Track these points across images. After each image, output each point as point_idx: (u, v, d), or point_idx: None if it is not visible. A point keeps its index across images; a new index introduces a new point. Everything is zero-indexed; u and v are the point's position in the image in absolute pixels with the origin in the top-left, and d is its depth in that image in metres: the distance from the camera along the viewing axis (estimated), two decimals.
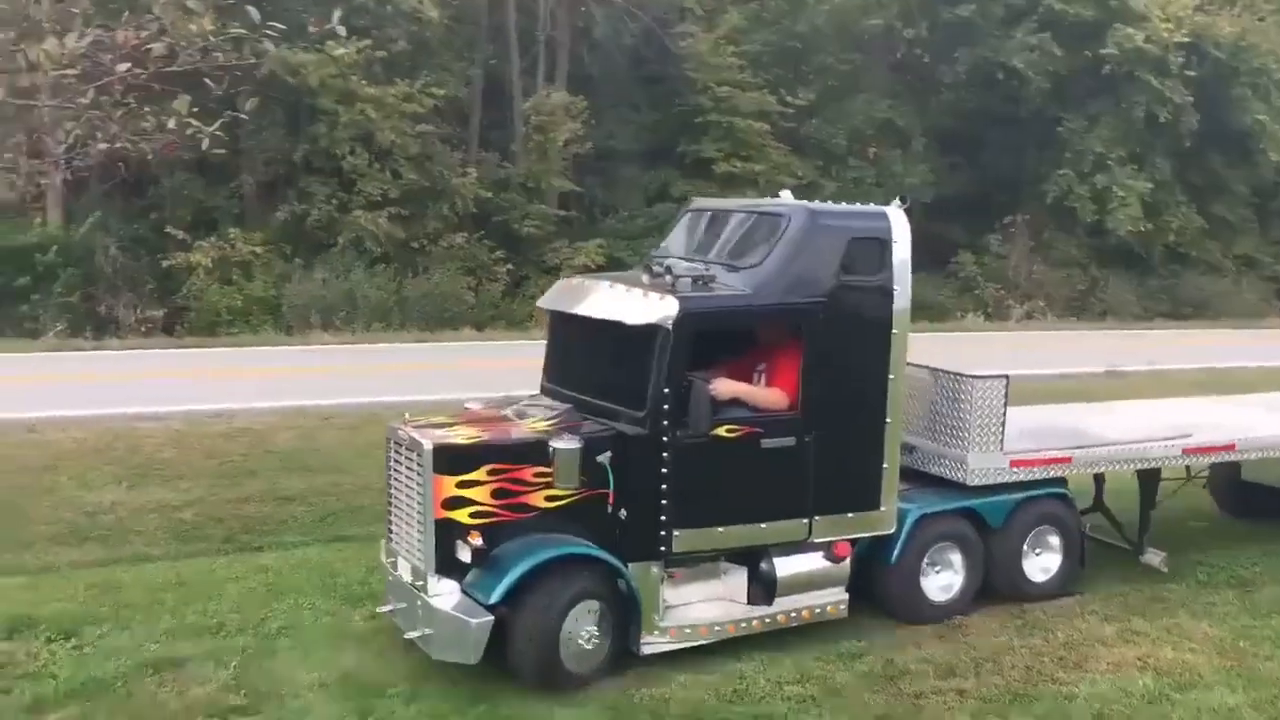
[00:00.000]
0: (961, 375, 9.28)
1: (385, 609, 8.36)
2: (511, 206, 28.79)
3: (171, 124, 9.02)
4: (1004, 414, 9.15)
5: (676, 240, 9.35)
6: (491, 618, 7.41)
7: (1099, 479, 10.43)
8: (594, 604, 7.69)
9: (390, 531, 8.30)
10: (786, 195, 9.76)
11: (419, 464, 7.68)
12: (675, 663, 8.05)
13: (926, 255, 34.23)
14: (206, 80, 9.41)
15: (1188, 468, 10.79)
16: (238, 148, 24.47)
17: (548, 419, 8.20)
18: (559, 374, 8.92)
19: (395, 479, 8.12)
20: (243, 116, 12.71)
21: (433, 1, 26.78)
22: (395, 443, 8.08)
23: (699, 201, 9.67)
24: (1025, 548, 9.56)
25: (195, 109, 9.09)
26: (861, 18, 33.50)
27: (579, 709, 7.53)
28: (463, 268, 27.50)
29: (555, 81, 30.47)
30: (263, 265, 26.19)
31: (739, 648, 8.31)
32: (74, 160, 9.84)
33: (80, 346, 21.89)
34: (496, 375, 12.60)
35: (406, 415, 8.19)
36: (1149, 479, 10.32)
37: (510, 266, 28.33)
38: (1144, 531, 10.43)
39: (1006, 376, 9.23)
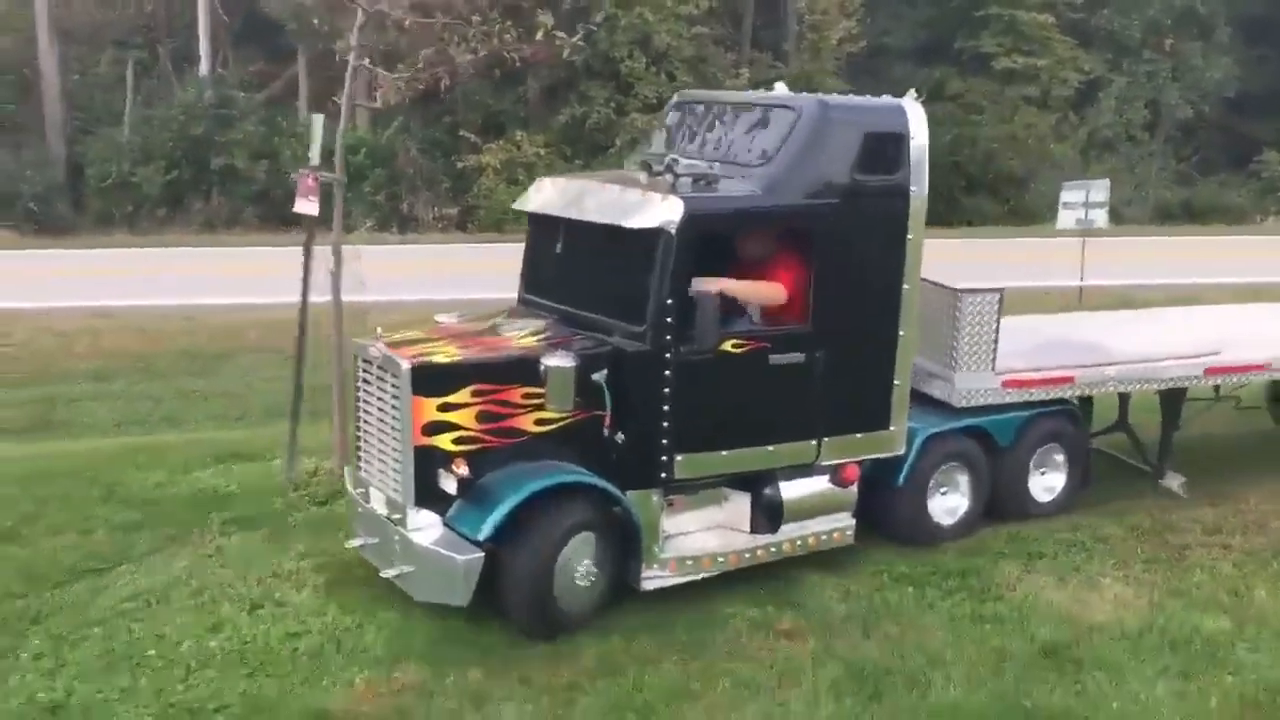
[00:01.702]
0: (950, 289, 8.68)
1: (355, 544, 7.57)
2: None
3: (539, 35, 11.11)
4: (995, 331, 8.57)
5: (663, 139, 8.51)
6: (481, 554, 6.68)
7: (1124, 397, 9.95)
8: (589, 536, 7.00)
9: (359, 458, 7.49)
10: (781, 87, 8.94)
11: (395, 385, 6.86)
12: None
13: (1225, 154, 33.37)
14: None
15: (1216, 387, 10.07)
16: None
17: (534, 334, 7.41)
18: (542, 284, 8.09)
19: (366, 401, 7.28)
20: (594, 28, 12.96)
21: None
22: (365, 360, 7.23)
23: (688, 94, 8.79)
24: (1031, 466, 9.08)
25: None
26: None
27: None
28: None
29: None
30: (545, 166, 26.40)
31: None
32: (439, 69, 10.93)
33: (386, 240, 22.26)
34: None
35: (379, 330, 7.31)
36: (1172, 399, 9.80)
37: None
38: (1164, 454, 9.96)
39: (1000, 291, 8.64)
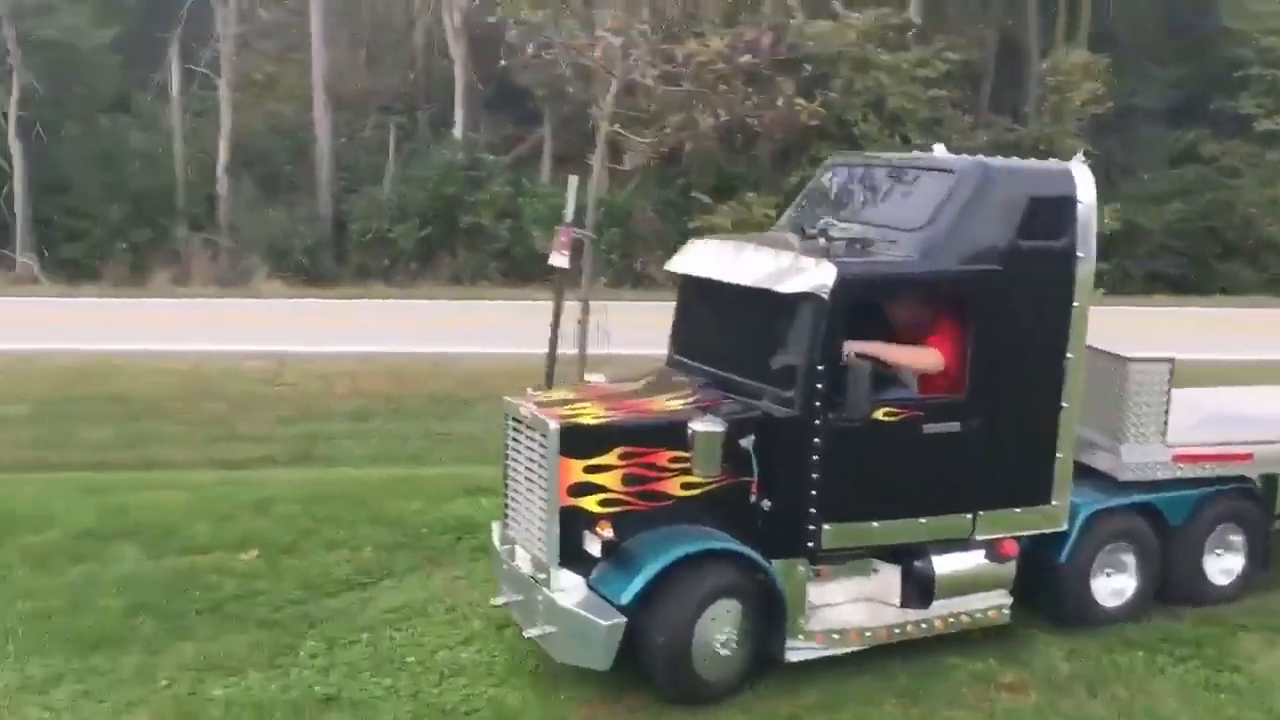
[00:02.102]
0: (1118, 357, 8.26)
1: (499, 601, 7.62)
2: None
3: (779, 101, 12.24)
4: (1166, 402, 8.13)
5: (817, 201, 8.41)
6: (623, 619, 6.62)
7: None
8: (732, 604, 6.86)
9: (507, 515, 7.55)
10: (940, 150, 8.75)
11: (542, 445, 6.89)
12: None
13: None
14: (804, 64, 13.10)
15: None
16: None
17: (682, 397, 7.36)
18: (691, 346, 8.05)
19: (514, 459, 7.34)
20: (833, 95, 13.67)
21: None
22: (514, 419, 7.30)
23: (842, 156, 8.69)
24: (1207, 548, 8.54)
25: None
26: None
27: None
28: None
29: (1075, 39, 29.81)
30: (775, 227, 27.03)
31: None
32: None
33: (622, 296, 22.75)
34: None
35: (529, 390, 7.38)
36: None
37: None
38: None
39: (1171, 360, 8.19)
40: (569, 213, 8.98)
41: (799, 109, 11.84)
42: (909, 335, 7.53)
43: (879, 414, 7.04)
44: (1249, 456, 8.42)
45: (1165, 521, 8.31)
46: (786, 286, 6.98)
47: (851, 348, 7.04)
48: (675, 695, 6.85)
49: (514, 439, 7.31)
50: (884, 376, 7.16)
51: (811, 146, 26.78)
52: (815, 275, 6.91)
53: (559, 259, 9.82)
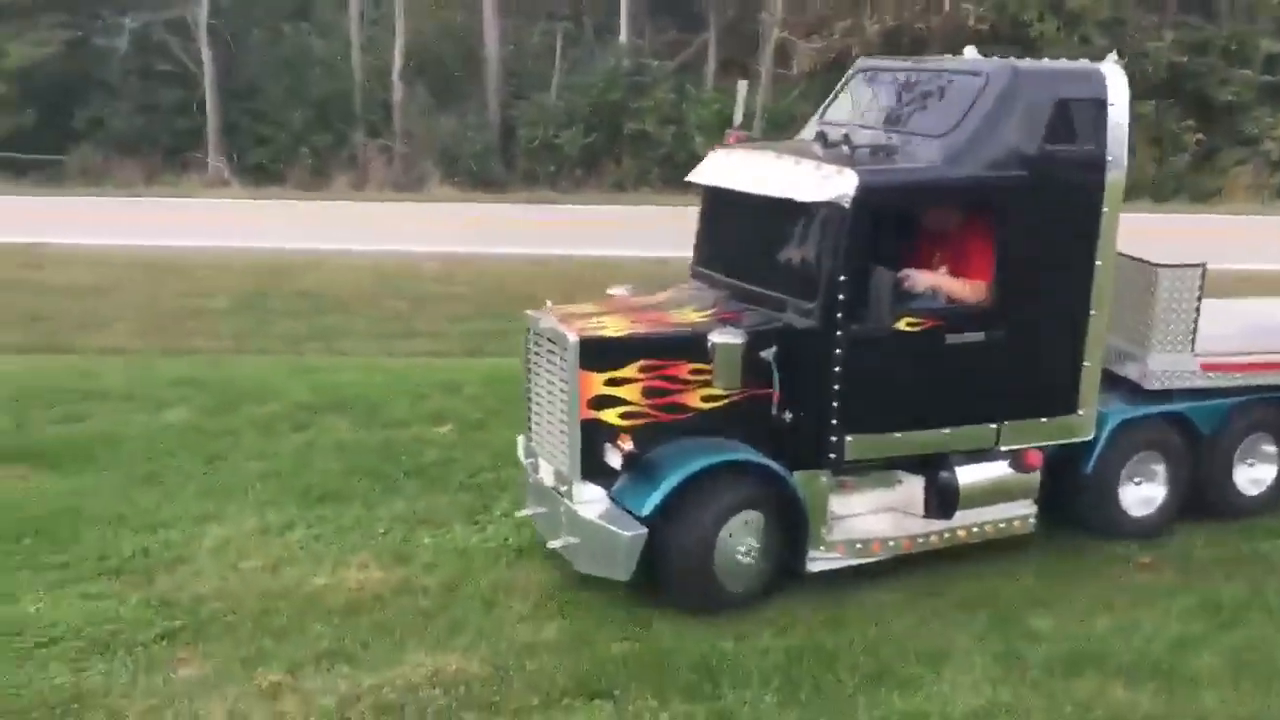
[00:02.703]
0: (1148, 263, 8.11)
1: (526, 513, 7.69)
2: (1208, 71, 27.23)
3: (946, 5, 12.02)
4: (1195, 311, 7.97)
5: (842, 107, 8.24)
6: (645, 530, 6.66)
7: None
8: (753, 514, 6.88)
9: (530, 429, 7.58)
10: (970, 52, 8.53)
11: (563, 358, 6.89)
12: None
13: None
14: None
15: None
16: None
17: (704, 309, 7.32)
18: (714, 258, 7.98)
19: (535, 373, 7.34)
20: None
21: None
22: (535, 333, 7.29)
23: (870, 61, 8.49)
24: (1237, 457, 8.45)
25: None
26: None
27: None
28: (1146, 137, 26.20)
29: None
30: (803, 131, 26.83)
31: None
32: None
33: None
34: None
35: (549, 303, 7.36)
36: None
37: (1200, 136, 27.13)
38: None
39: (1202, 265, 8.01)
40: (738, 117, 9.13)
41: (965, 12, 11.50)
42: (937, 242, 7.43)
43: (901, 324, 6.97)
44: (1279, 365, 8.26)
45: (1196, 431, 8.22)
46: (807, 195, 6.87)
47: (915, 280, 7.07)
48: (696, 604, 6.90)
49: (535, 351, 7.31)
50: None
51: (983, 48, 25.55)
52: (837, 183, 6.79)
53: None
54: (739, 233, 7.76)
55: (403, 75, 29.30)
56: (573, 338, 6.79)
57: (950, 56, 8.23)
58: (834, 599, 7.15)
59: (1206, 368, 8.14)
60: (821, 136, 7.42)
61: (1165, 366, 8.06)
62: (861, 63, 8.52)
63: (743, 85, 9.28)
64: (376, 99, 29.85)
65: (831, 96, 8.55)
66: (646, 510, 6.67)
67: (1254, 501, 8.53)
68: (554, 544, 7.12)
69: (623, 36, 30.00)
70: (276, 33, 30.90)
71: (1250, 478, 8.54)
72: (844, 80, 8.53)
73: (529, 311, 7.40)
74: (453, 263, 17.63)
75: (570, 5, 32.43)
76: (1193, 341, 8.06)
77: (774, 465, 6.89)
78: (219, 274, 16.62)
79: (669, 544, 6.72)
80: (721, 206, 7.89)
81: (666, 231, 14.63)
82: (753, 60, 26.63)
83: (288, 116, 29.29)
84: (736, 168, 7.63)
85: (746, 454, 6.88)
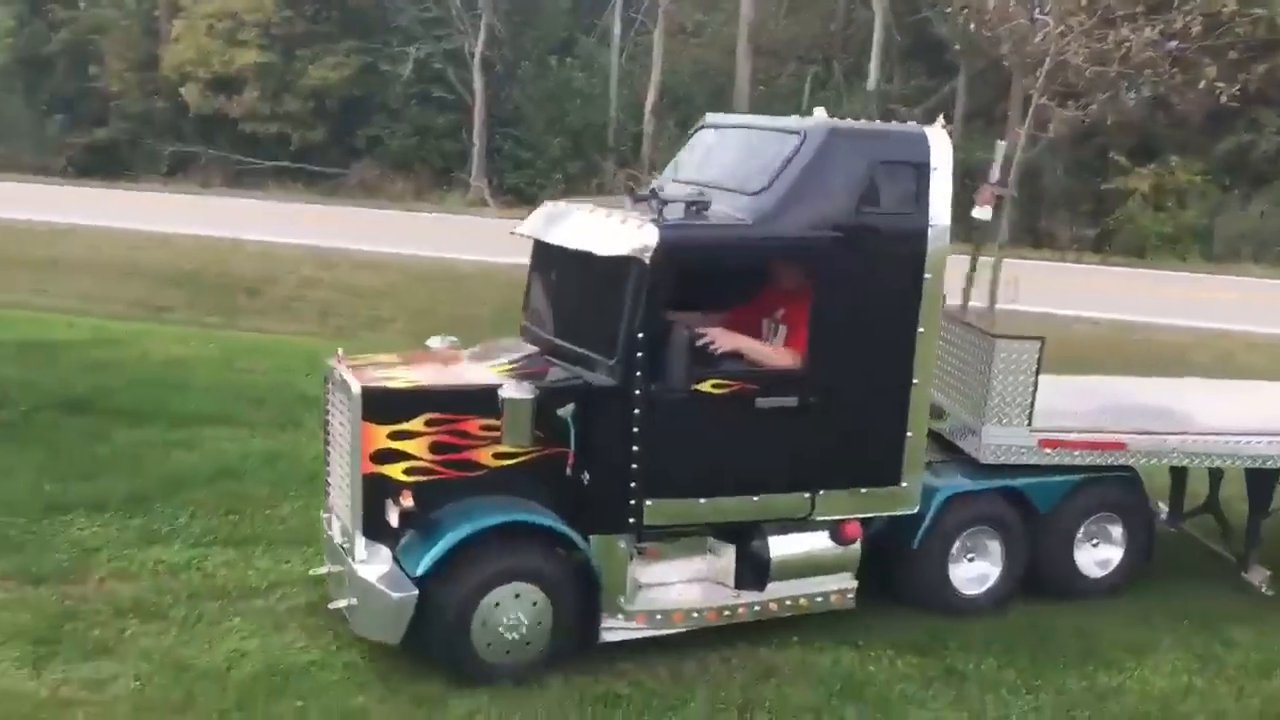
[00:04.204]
0: (984, 333, 7.98)
1: (320, 571, 7.35)
2: None
3: (1200, 85, 13.35)
4: (1033, 384, 7.75)
5: (685, 162, 8.06)
6: (414, 592, 6.33)
7: (1214, 473, 8.96)
8: (525, 587, 6.53)
9: (327, 483, 7.27)
10: (820, 113, 8.37)
11: (349, 409, 6.60)
12: None
13: None
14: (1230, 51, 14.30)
15: None
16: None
17: (510, 363, 7.06)
18: (535, 312, 7.75)
19: (330, 424, 7.06)
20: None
21: None
22: (330, 382, 7.01)
23: (713, 118, 8.33)
24: (1080, 537, 8.18)
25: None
26: None
27: None
28: None
29: None
30: (1199, 194, 26.77)
31: None
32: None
33: (1026, 255, 23.44)
34: None
35: (339, 350, 7.08)
36: (1260, 480, 8.54)
37: None
38: (1251, 544, 8.75)
39: (1040, 340, 7.82)
40: (994, 172, 9.31)
41: (1219, 91, 13.13)
42: (763, 304, 7.23)
43: (707, 386, 6.72)
44: (1121, 445, 8.02)
45: (1033, 508, 7.96)
46: (606, 249, 6.65)
47: (717, 340, 6.81)
48: (459, 674, 6.54)
49: (329, 401, 7.03)
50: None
51: (1248, 110, 25.17)
52: (637, 238, 6.57)
53: (981, 212, 10.79)
54: (555, 287, 7.54)
55: (655, 110, 30.64)
56: (356, 387, 6.51)
57: (796, 117, 8.12)
58: (1046, 595, 8.09)
59: (1046, 444, 7.89)
60: (630, 191, 7.23)
61: (1001, 441, 7.83)
62: (706, 119, 8.36)
63: (1000, 145, 9.75)
64: (628, 131, 32.06)
65: (677, 155, 8.38)
66: (419, 570, 6.36)
67: (1098, 585, 8.24)
68: (335, 604, 6.79)
69: (871, 82, 30.60)
70: (543, 65, 33.52)
71: (1095, 559, 8.27)
72: (688, 136, 8.37)
73: (327, 359, 7.13)
74: None
75: (822, 48, 33.55)
76: (1030, 417, 7.83)
77: (561, 527, 6.58)
78: (483, 285, 18.12)
79: (430, 607, 6.38)
80: (541, 260, 7.68)
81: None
82: (1001, 109, 27.01)
83: (546, 144, 31.78)
84: (554, 221, 7.42)
85: (532, 515, 6.58)
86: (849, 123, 7.44)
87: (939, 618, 7.64)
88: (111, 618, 7.12)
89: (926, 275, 7.10)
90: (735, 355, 6.88)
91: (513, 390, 6.49)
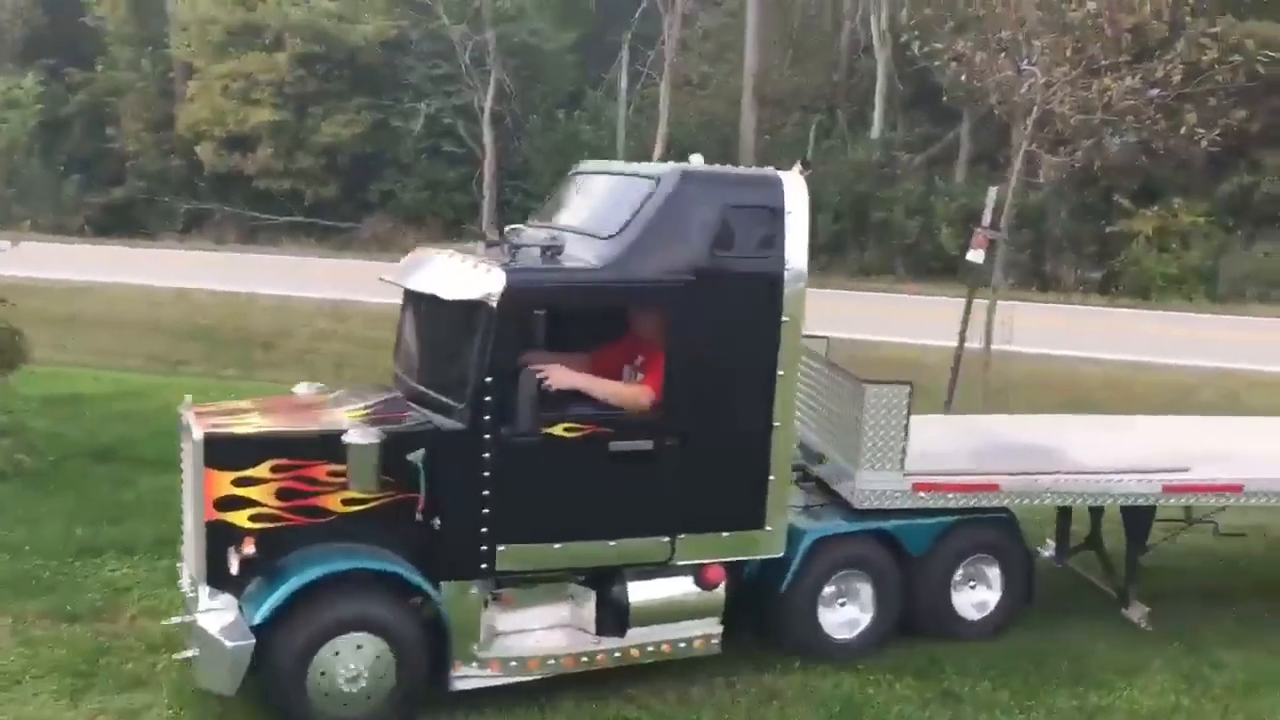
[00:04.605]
0: (855, 378, 7.98)
1: (174, 621, 7.22)
2: None
3: (1182, 130, 13.60)
4: (904, 428, 7.76)
5: (548, 208, 8.11)
6: (250, 642, 6.23)
7: (1095, 511, 8.98)
8: (367, 637, 6.43)
9: (182, 530, 7.18)
10: (697, 160, 8.43)
11: (193, 455, 6.54)
12: None
13: None
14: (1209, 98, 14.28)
15: (1187, 509, 8.69)
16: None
17: (365, 408, 7.01)
18: (400, 357, 7.72)
19: (183, 471, 6.98)
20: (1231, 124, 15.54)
21: None
22: (181, 428, 6.95)
23: (584, 165, 8.38)
24: (957, 579, 8.16)
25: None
26: None
27: None
28: None
29: None
30: (1203, 236, 26.81)
31: None
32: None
33: (1030, 297, 23.79)
34: None
35: (188, 397, 7.02)
36: (1136, 519, 8.56)
37: None
38: (1130, 580, 8.79)
39: (909, 384, 7.86)
40: (987, 217, 9.42)
41: (1199, 137, 13.76)
42: (625, 349, 7.22)
43: (559, 429, 6.70)
44: (995, 486, 8.03)
45: (905, 551, 7.94)
46: (453, 293, 6.65)
47: (555, 378, 6.72)
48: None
49: (182, 449, 6.96)
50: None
51: (1250, 151, 25.65)
52: (484, 282, 6.58)
53: (975, 255, 11.19)
54: (415, 332, 7.51)
55: (661, 160, 30.57)
56: (199, 433, 6.45)
57: (658, 164, 8.20)
58: (1040, 620, 8.38)
59: (920, 488, 7.89)
60: (483, 236, 7.26)
61: (874, 486, 7.82)
62: (578, 165, 8.41)
63: (992, 191, 9.95)
64: None
65: (546, 201, 8.44)
66: (257, 619, 6.26)
67: (976, 627, 8.21)
68: (182, 655, 6.68)
69: (875, 130, 30.96)
70: (551, 118, 34.20)
71: (972, 601, 8.24)
72: (562, 182, 8.41)
73: (180, 407, 7.06)
74: None
75: (825, 98, 34.00)
76: (902, 461, 7.83)
77: (406, 573, 6.51)
78: None
79: (266, 657, 6.28)
80: (406, 305, 7.66)
81: (916, 318, 16.63)
82: (1004, 154, 26.83)
83: None
84: (416, 267, 7.42)
85: (380, 563, 6.51)
86: (704, 167, 7.47)
87: (937, 643, 7.97)
88: (144, 653, 7.39)
89: (785, 318, 7.13)
90: (575, 394, 6.80)
91: (357, 436, 6.44)
